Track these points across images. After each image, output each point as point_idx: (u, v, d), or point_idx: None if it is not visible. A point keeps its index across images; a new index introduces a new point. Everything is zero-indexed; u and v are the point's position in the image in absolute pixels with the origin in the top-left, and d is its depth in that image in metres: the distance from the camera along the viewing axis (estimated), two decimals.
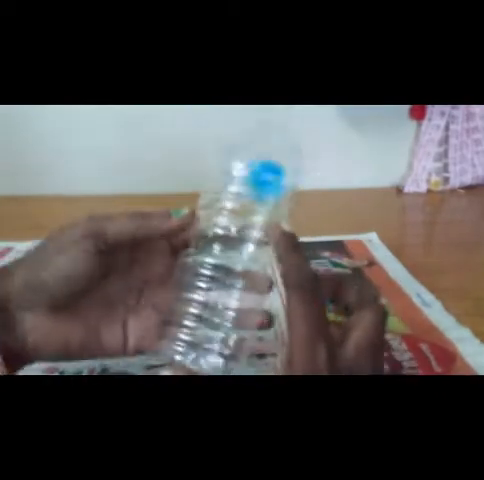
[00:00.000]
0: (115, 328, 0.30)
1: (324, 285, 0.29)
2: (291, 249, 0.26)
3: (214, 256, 0.29)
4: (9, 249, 0.63)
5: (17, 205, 0.80)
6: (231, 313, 0.28)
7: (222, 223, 0.29)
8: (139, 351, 0.30)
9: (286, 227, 0.27)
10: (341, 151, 0.89)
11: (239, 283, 0.28)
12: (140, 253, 0.31)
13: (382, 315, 0.26)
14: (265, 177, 0.28)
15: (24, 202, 0.81)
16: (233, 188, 0.29)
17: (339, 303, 0.29)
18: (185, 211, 0.30)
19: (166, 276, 0.31)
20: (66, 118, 0.81)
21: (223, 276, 0.28)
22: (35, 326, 0.27)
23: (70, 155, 0.85)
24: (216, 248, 0.29)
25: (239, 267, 0.28)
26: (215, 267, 0.28)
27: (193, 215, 0.30)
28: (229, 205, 0.29)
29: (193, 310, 0.28)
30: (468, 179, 0.92)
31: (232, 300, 0.28)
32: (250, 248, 0.28)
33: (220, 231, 0.29)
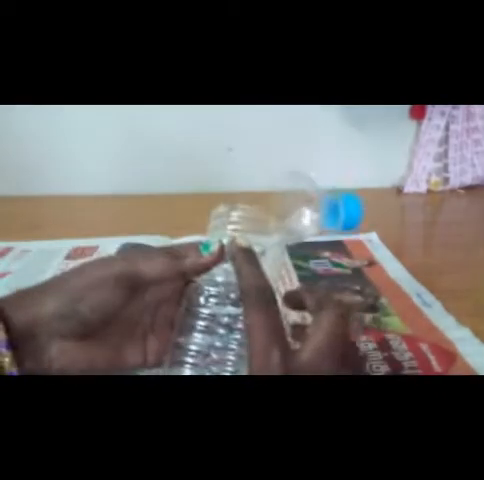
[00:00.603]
0: (136, 346, 0.31)
1: (285, 299, 0.32)
2: (247, 263, 0.28)
3: (220, 275, 0.30)
4: (9, 249, 0.63)
5: (17, 205, 0.80)
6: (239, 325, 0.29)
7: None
8: (157, 365, 0.31)
9: (242, 242, 0.29)
10: (341, 151, 0.89)
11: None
12: None
13: (341, 313, 0.28)
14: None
15: (24, 202, 0.81)
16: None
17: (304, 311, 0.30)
18: (212, 243, 0.31)
19: (178, 294, 0.32)
20: (66, 118, 0.81)
21: (229, 292, 0.30)
22: (62, 352, 0.28)
23: (70, 155, 0.85)
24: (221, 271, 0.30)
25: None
26: (223, 284, 0.30)
27: (223, 250, 0.30)
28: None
29: (201, 322, 0.29)
30: (468, 179, 0.92)
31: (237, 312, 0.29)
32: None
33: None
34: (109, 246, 0.63)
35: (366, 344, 0.43)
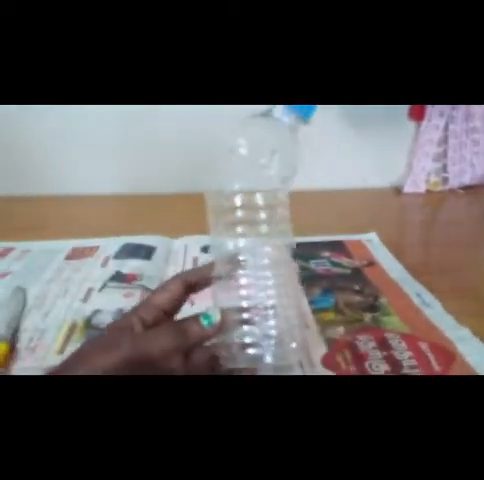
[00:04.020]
0: None
1: None
2: None
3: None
4: (10, 249, 0.63)
5: (17, 205, 0.80)
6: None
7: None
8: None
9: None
10: (341, 151, 0.89)
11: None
12: None
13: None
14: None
15: (24, 202, 0.81)
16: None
17: None
18: (213, 315, 0.32)
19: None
20: (66, 118, 0.81)
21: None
22: None
23: (70, 155, 0.85)
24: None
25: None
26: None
27: (224, 320, 0.31)
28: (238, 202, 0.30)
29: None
30: (467, 179, 0.92)
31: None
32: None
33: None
34: (109, 246, 0.63)
35: (366, 343, 0.43)
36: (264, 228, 0.30)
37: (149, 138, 0.84)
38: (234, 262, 0.30)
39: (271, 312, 0.29)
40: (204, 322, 0.31)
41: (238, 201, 0.30)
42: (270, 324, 0.29)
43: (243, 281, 0.29)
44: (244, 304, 0.29)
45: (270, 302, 0.29)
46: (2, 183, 0.84)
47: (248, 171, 0.31)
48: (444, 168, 0.92)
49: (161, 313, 0.32)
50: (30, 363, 0.41)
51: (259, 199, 0.30)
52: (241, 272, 0.29)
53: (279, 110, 0.32)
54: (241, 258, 0.29)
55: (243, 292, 0.29)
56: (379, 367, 0.40)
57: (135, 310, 0.32)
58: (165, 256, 0.62)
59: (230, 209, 0.30)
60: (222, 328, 0.31)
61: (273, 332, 0.29)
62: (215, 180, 0.32)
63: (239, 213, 0.30)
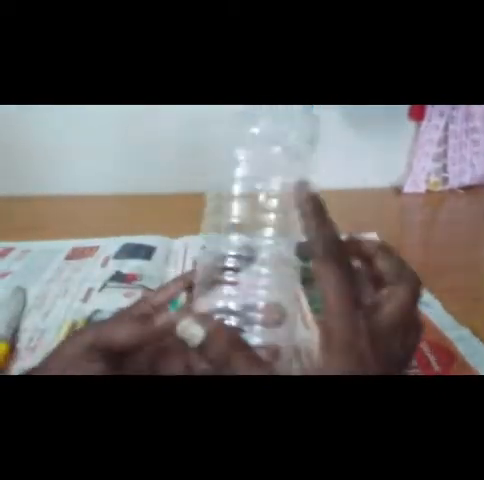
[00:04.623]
0: None
1: (354, 248, 0.29)
2: (315, 217, 0.25)
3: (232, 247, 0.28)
4: (10, 249, 0.63)
5: (17, 205, 0.80)
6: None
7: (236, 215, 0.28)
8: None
9: (310, 187, 0.26)
10: (341, 151, 0.89)
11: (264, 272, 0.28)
12: None
13: (417, 292, 0.26)
14: None
15: (24, 202, 0.81)
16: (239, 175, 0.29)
17: (369, 270, 0.28)
18: (180, 299, 0.31)
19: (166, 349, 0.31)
20: (66, 117, 0.81)
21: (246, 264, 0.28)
22: None
23: (70, 155, 0.85)
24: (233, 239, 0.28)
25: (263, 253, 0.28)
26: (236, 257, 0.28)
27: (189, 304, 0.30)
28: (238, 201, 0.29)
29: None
30: (467, 179, 0.92)
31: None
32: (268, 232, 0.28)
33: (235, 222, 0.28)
34: (109, 246, 0.63)
35: None
36: (267, 222, 0.29)
37: (149, 138, 0.84)
38: (228, 261, 0.29)
39: (260, 316, 0.28)
40: (171, 308, 0.30)
41: (242, 203, 0.29)
42: (256, 328, 0.28)
43: (235, 282, 0.29)
44: (233, 306, 0.28)
45: (261, 304, 0.28)
46: (2, 183, 0.84)
47: (255, 167, 0.29)
48: (444, 168, 0.92)
49: (152, 311, 0.31)
50: (30, 363, 0.41)
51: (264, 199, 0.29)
52: (233, 273, 0.29)
53: None
54: (234, 257, 0.29)
55: (233, 293, 0.29)
56: None
57: (130, 307, 0.32)
58: (165, 256, 0.62)
59: (231, 209, 0.29)
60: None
61: (261, 335, 0.28)
62: (216, 181, 0.31)
63: (242, 211, 0.29)
